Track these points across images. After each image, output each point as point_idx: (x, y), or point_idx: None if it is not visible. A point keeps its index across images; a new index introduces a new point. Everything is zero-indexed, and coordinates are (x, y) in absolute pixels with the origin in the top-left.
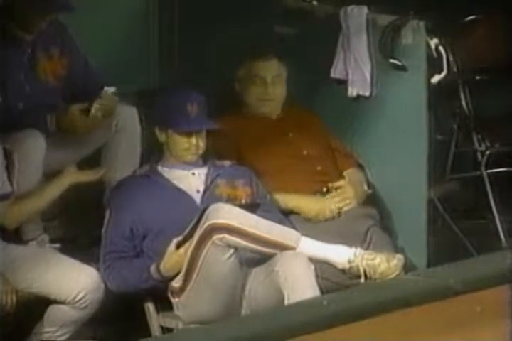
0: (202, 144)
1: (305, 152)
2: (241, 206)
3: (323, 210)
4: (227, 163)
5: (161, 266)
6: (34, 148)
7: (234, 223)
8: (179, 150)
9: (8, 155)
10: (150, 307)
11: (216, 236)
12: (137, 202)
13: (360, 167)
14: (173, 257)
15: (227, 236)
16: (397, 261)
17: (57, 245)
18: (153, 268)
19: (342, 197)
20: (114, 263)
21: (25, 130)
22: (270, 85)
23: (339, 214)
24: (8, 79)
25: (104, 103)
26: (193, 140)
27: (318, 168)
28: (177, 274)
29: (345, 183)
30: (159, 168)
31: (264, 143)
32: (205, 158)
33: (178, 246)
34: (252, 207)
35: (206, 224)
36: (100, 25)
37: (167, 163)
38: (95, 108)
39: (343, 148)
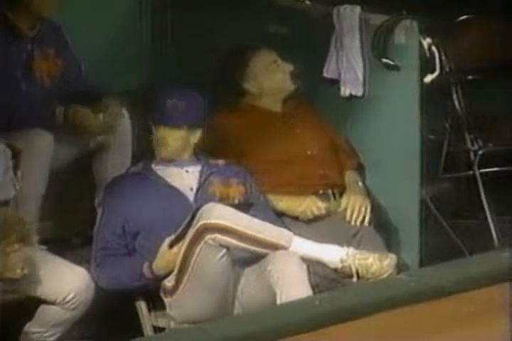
0: (194, 140)
1: (309, 152)
2: (234, 205)
3: (310, 207)
4: (221, 161)
5: (154, 265)
6: (43, 148)
7: (226, 223)
8: (170, 146)
9: (14, 155)
10: (142, 306)
11: (208, 236)
12: (130, 199)
13: (361, 166)
14: (166, 256)
15: (220, 236)
16: (389, 260)
17: (45, 247)
18: (145, 266)
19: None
20: (105, 260)
21: (33, 129)
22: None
23: (328, 212)
24: (4, 73)
25: (113, 113)
26: (184, 134)
27: (321, 171)
28: (169, 273)
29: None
30: (153, 165)
31: (268, 138)
32: (198, 156)
33: (171, 245)
34: (244, 207)
35: (199, 224)
36: (93, 23)
37: (161, 160)
38: (106, 115)
39: (346, 146)
